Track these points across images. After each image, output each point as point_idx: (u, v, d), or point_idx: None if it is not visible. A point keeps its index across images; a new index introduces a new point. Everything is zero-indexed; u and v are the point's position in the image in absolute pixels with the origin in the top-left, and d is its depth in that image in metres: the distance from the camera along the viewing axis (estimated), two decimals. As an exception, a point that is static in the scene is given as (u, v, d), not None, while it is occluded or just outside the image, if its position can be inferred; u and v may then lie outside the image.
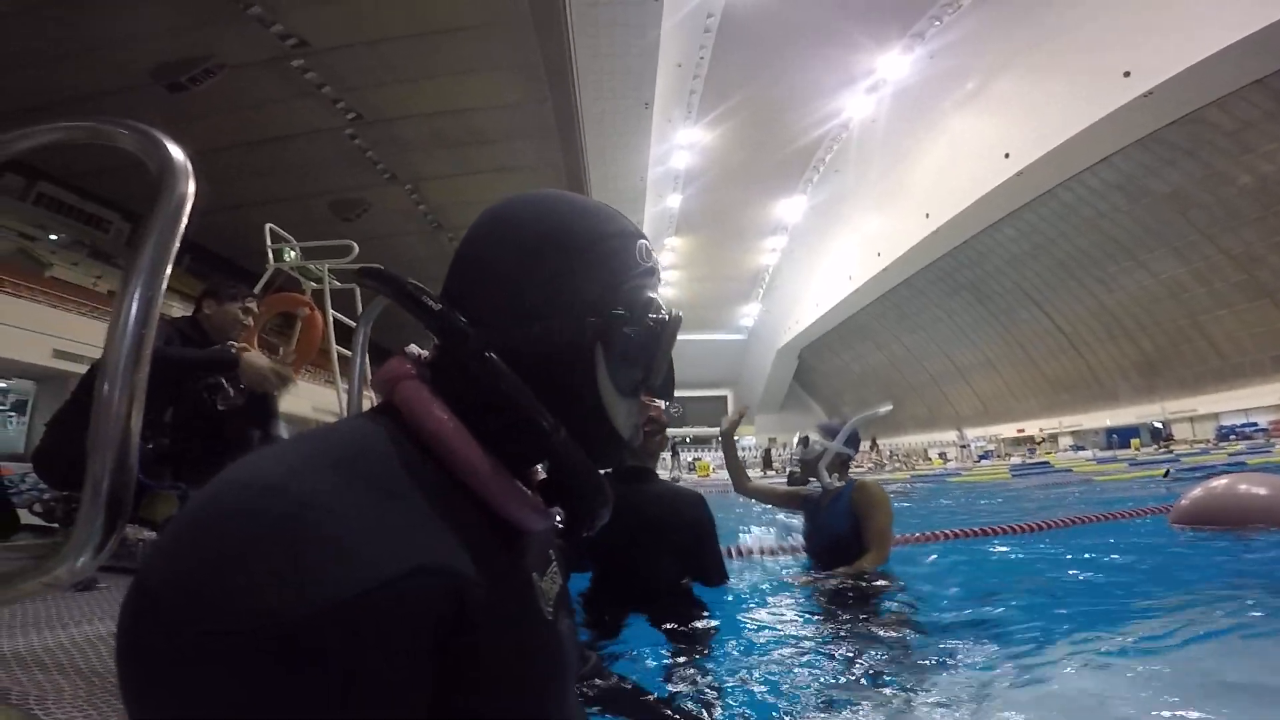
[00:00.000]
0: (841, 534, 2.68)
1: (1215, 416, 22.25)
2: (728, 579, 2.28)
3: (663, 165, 31.28)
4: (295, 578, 0.40)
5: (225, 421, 2.60)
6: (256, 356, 2.69)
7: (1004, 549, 3.85)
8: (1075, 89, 21.43)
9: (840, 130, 32.46)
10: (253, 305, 2.96)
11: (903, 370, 41.01)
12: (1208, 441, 20.95)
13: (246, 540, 0.41)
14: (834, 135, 32.80)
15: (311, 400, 13.87)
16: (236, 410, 2.62)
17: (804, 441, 2.91)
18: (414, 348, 0.63)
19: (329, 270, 5.21)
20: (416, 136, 19.48)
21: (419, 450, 0.53)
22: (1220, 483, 3.92)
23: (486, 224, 0.62)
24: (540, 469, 0.67)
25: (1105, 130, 21.33)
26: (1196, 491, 3.91)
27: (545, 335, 0.58)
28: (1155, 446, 21.77)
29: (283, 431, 2.88)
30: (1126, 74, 19.77)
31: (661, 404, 2.22)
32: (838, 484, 2.77)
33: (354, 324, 4.51)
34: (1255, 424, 20.54)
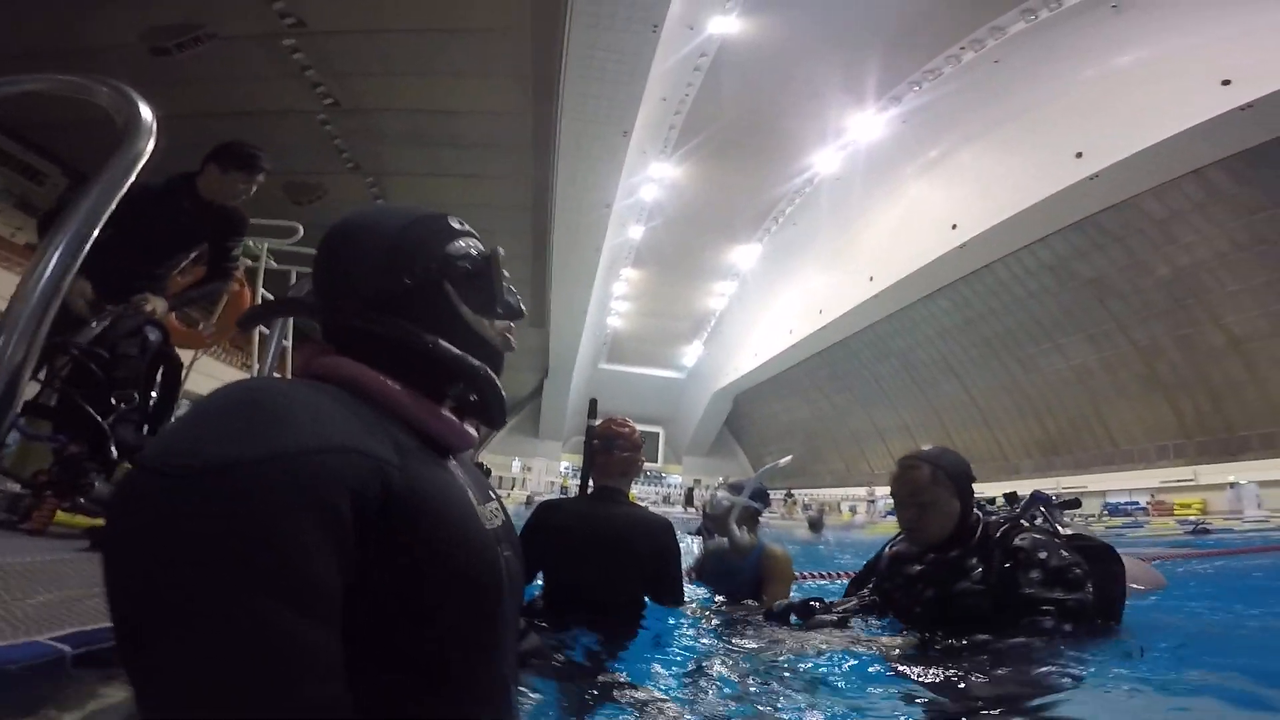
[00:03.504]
0: (745, 592, 2.81)
1: (1103, 494, 23.58)
2: (683, 602, 2.38)
3: (631, 196, 31.62)
4: (245, 434, 0.51)
5: (116, 380, 2.51)
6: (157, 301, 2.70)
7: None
8: (1029, 166, 23.19)
9: (805, 184, 33.89)
10: (259, 179, 2.94)
11: (827, 426, 42.07)
12: (1092, 516, 22.10)
13: (215, 410, 0.55)
14: (798, 188, 34.23)
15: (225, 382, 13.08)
16: (132, 370, 2.58)
17: (733, 487, 3.02)
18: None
19: (268, 250, 4.91)
20: (391, 131, 19.57)
21: (354, 395, 0.69)
22: None
23: (337, 233, 0.83)
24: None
25: (1049, 209, 23.14)
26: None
27: (404, 288, 0.79)
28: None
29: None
30: (1079, 155, 21.59)
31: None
32: (748, 539, 2.84)
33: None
34: (1137, 503, 21.88)
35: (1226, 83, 18.59)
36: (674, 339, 49.00)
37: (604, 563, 2.18)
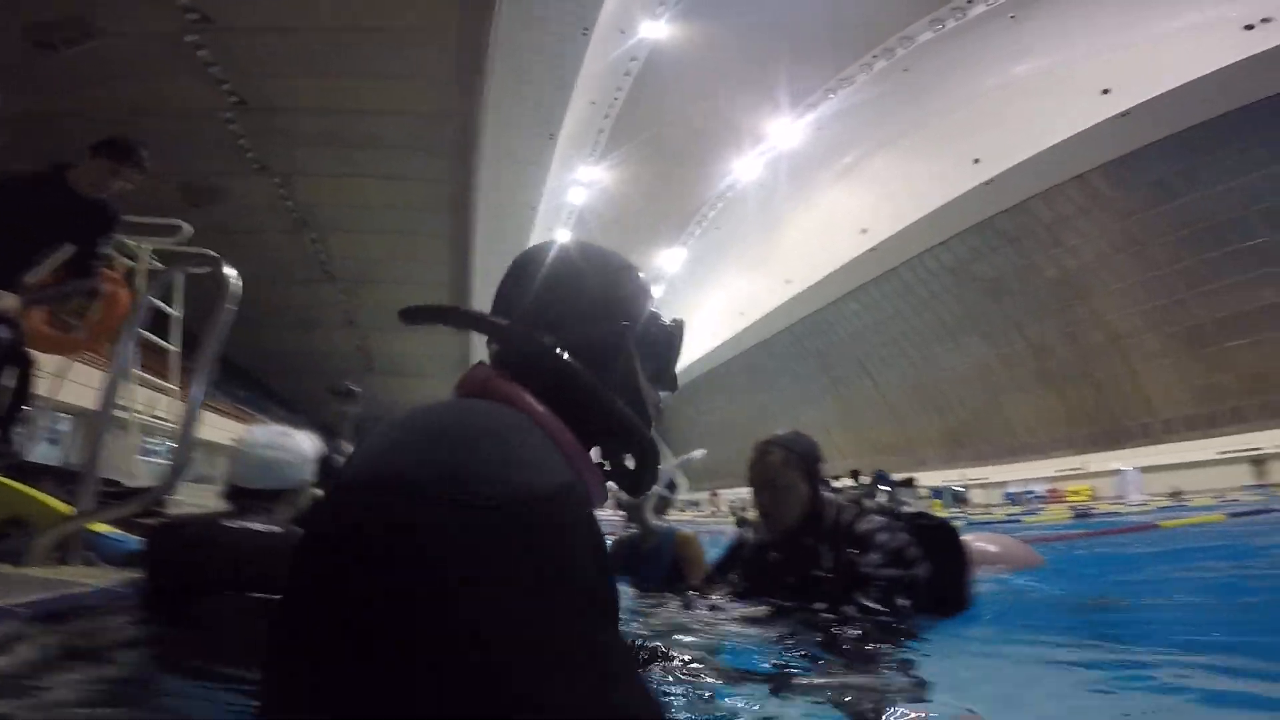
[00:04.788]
0: (664, 577, 2.86)
1: (1004, 484, 24.77)
2: None
3: (557, 199, 31.33)
4: (519, 468, 0.50)
5: None
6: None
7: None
8: (933, 171, 24.28)
9: (728, 189, 34.52)
10: (131, 173, 2.85)
11: (751, 426, 42.17)
12: (993, 505, 23.16)
13: (470, 442, 0.52)
14: (721, 193, 34.80)
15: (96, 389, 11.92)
16: None
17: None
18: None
19: (151, 251, 4.57)
20: (303, 131, 18.72)
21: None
22: (976, 537, 4.51)
23: (558, 263, 0.82)
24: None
25: (950, 213, 24.25)
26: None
27: (609, 338, 0.77)
28: (955, 507, 23.71)
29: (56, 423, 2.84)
30: (976, 161, 22.71)
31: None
32: (660, 525, 2.94)
33: (173, 311, 4.52)
34: (1033, 492, 23.02)
35: (1106, 91, 19.97)
36: None
37: None
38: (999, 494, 24.33)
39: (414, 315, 0.78)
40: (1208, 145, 19.78)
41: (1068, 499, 20.31)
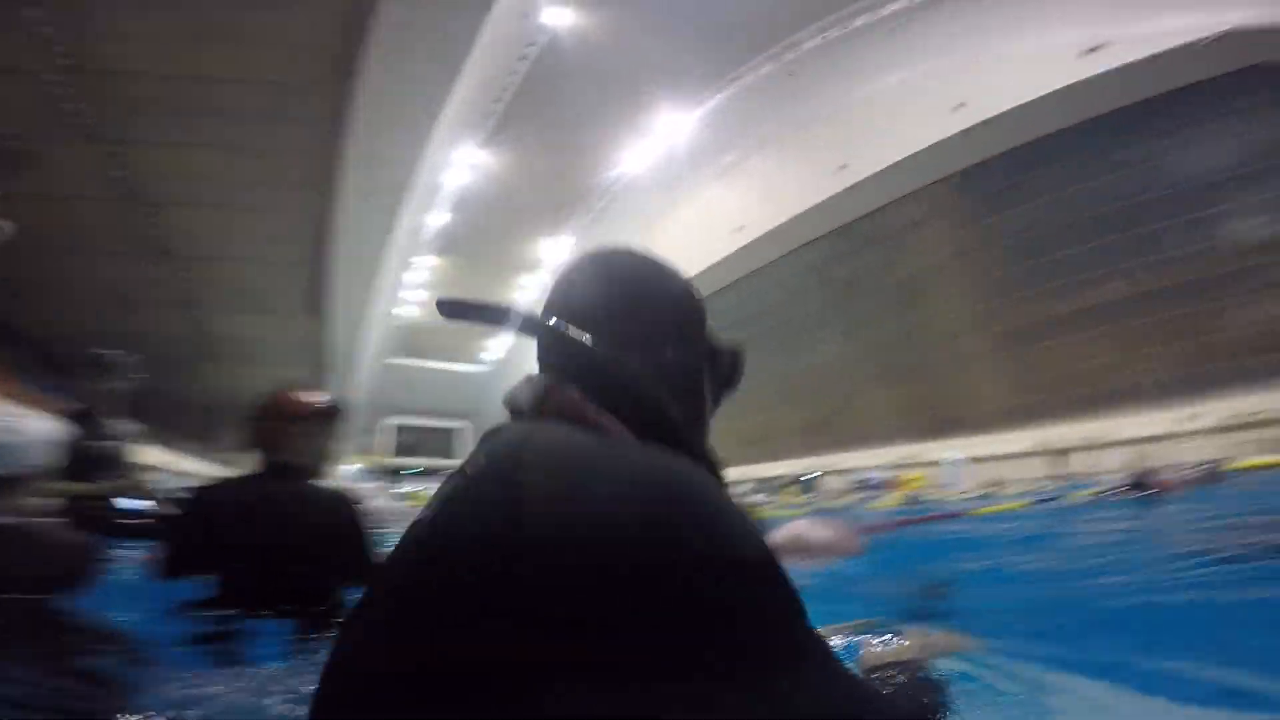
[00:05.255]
0: None
1: (852, 471, 26.57)
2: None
3: (438, 180, 30.05)
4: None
5: None
6: None
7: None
8: (805, 174, 25.58)
9: (616, 180, 34.25)
10: None
11: None
12: (844, 492, 24.72)
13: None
14: (609, 184, 34.58)
15: None
16: None
17: None
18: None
19: None
20: (144, 97, 17.27)
21: None
22: (793, 524, 4.47)
23: (603, 270, 0.80)
24: None
25: (818, 215, 25.54)
26: (772, 534, 4.50)
27: (673, 363, 0.77)
28: (809, 495, 25.07)
29: None
30: (843, 166, 24.01)
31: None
32: None
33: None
34: (875, 479, 24.84)
35: (959, 107, 21.67)
36: (478, 331, 47.26)
37: (279, 547, 1.98)
38: (849, 480, 25.99)
39: (471, 312, 0.73)
40: (1033, 162, 22.11)
41: (903, 487, 21.94)
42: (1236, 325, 20.49)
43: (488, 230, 35.52)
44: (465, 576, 0.43)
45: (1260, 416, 18.69)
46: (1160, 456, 16.90)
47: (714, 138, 29.47)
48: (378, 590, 0.53)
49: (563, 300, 0.77)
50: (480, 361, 50.02)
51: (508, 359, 49.47)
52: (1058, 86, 19.83)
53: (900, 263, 26.20)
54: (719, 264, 30.29)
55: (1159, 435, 19.66)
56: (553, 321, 0.72)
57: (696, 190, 31.69)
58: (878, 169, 23.69)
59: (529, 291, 43.22)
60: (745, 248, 28.92)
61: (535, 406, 0.69)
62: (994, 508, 8.61)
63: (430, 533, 0.50)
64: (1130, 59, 18.55)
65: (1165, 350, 21.60)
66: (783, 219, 27.00)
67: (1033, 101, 20.38)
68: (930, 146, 22.35)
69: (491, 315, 0.73)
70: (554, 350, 0.75)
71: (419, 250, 36.63)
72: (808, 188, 25.93)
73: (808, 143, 26.17)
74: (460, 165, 30.51)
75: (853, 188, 24.50)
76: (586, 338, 0.70)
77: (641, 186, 33.39)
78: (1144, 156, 20.76)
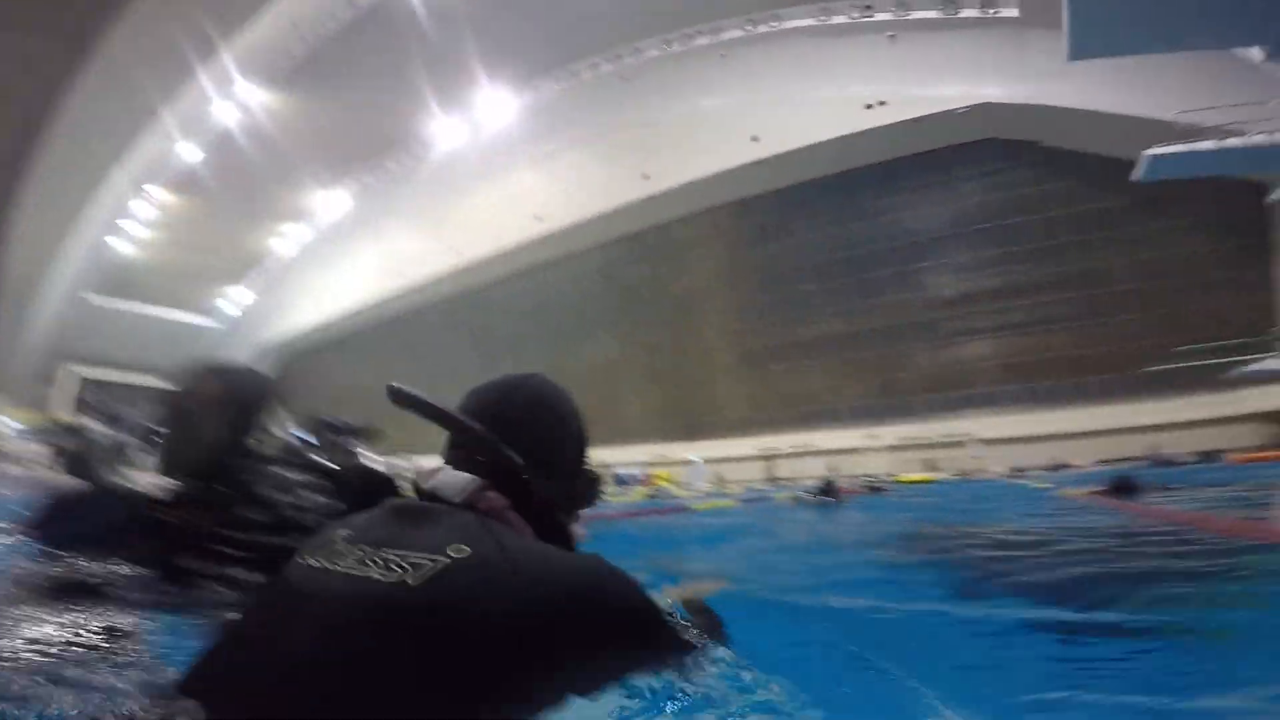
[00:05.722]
0: None
1: (611, 466, 28.25)
2: None
3: (200, 110, 27.00)
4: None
5: None
6: None
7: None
8: (613, 178, 26.57)
9: (421, 147, 32.79)
10: None
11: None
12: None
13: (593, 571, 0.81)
14: (412, 149, 32.91)
15: None
16: None
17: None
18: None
19: None
20: None
21: None
22: None
23: (539, 406, 1.01)
24: None
25: (614, 220, 26.68)
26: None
27: (565, 482, 0.99)
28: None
29: None
30: (646, 177, 25.26)
31: None
32: None
33: None
34: (635, 474, 26.67)
35: (755, 139, 23.97)
36: (211, 279, 41.01)
37: None
38: (608, 474, 27.59)
39: (421, 408, 0.94)
40: (801, 202, 25.46)
41: (653, 483, 23.92)
42: (915, 367, 25.88)
43: (251, 172, 31.46)
44: (484, 622, 0.71)
45: (920, 441, 24.03)
46: (846, 467, 20.88)
47: (536, 126, 29.37)
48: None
49: (495, 415, 0.94)
50: (212, 314, 43.81)
51: (245, 314, 44.20)
52: (841, 133, 22.73)
53: (678, 276, 28.51)
54: (514, 249, 30.24)
55: (848, 449, 24.20)
56: (495, 439, 0.92)
57: (507, 173, 31.28)
58: (676, 184, 25.39)
59: (288, 241, 39.84)
60: (542, 239, 29.22)
61: (466, 501, 0.87)
62: (712, 504, 10.06)
63: (431, 590, 0.72)
64: (901, 118, 21.71)
65: (862, 381, 26.55)
66: (583, 217, 27.74)
67: (818, 144, 23.17)
68: (724, 172, 24.54)
69: (438, 417, 0.92)
70: (478, 451, 0.91)
71: (155, 180, 31.66)
72: (612, 191, 26.95)
73: (621, 147, 27.16)
74: (237, 101, 27.51)
75: (651, 198, 26.01)
76: (516, 458, 0.90)
77: (450, 158, 32.33)
78: (884, 210, 24.94)
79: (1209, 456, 17.64)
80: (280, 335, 41.57)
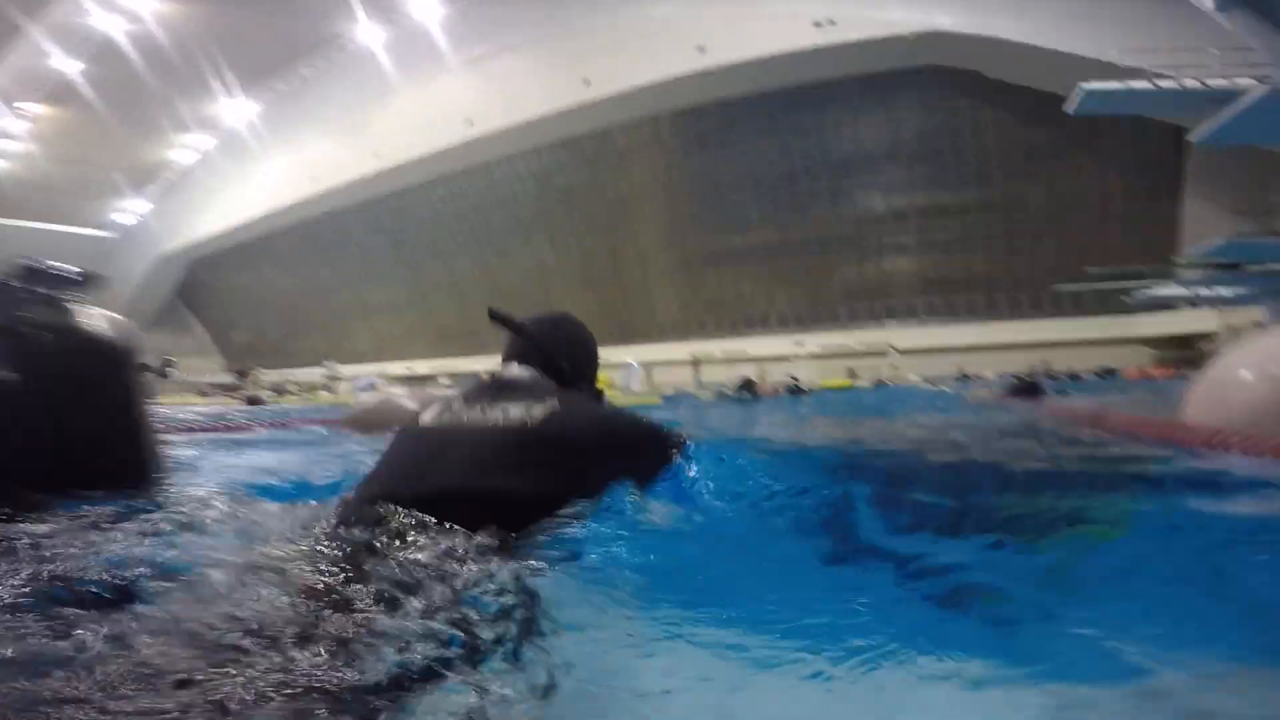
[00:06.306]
0: None
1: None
2: None
3: (79, 20, 25.48)
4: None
5: None
6: None
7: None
8: (551, 82, 25.36)
9: (334, 49, 30.53)
10: None
11: (309, 301, 39.40)
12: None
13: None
14: (324, 52, 30.72)
15: None
16: None
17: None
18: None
19: None
20: None
21: None
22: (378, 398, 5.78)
23: (575, 336, 1.47)
24: None
25: (551, 125, 25.78)
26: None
27: (589, 376, 1.47)
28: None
29: None
30: (587, 82, 24.05)
31: None
32: None
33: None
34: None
35: (702, 49, 22.96)
36: (102, 192, 38.08)
37: None
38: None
39: (506, 323, 1.43)
40: (740, 115, 24.91)
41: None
42: (841, 279, 26.59)
43: (138, 84, 28.88)
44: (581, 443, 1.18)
45: (843, 350, 25.05)
46: (774, 373, 21.58)
47: (467, 29, 27.37)
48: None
49: (550, 338, 1.41)
50: (108, 225, 40.52)
51: (142, 225, 41.05)
52: (788, 49, 22.02)
53: (616, 182, 27.81)
54: (441, 154, 28.81)
55: (776, 356, 24.96)
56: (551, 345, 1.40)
57: (434, 77, 29.25)
58: (619, 90, 24.36)
59: (190, 153, 37.31)
60: (473, 142, 27.85)
61: (547, 388, 1.28)
62: (637, 399, 10.29)
63: (543, 426, 1.15)
64: (849, 38, 21.20)
65: (790, 290, 27.17)
66: (517, 121, 26.56)
67: (764, 58, 22.43)
68: (668, 80, 23.65)
69: (521, 332, 1.40)
70: (538, 358, 1.36)
71: (30, 95, 29.69)
72: (553, 95, 25.69)
73: (563, 52, 25.67)
74: (117, 10, 25.71)
75: (593, 104, 24.95)
76: (565, 366, 1.38)
77: (367, 61, 30.12)
78: (823, 127, 24.72)
79: (1106, 373, 19.16)
80: (183, 243, 39.31)
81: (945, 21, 19.97)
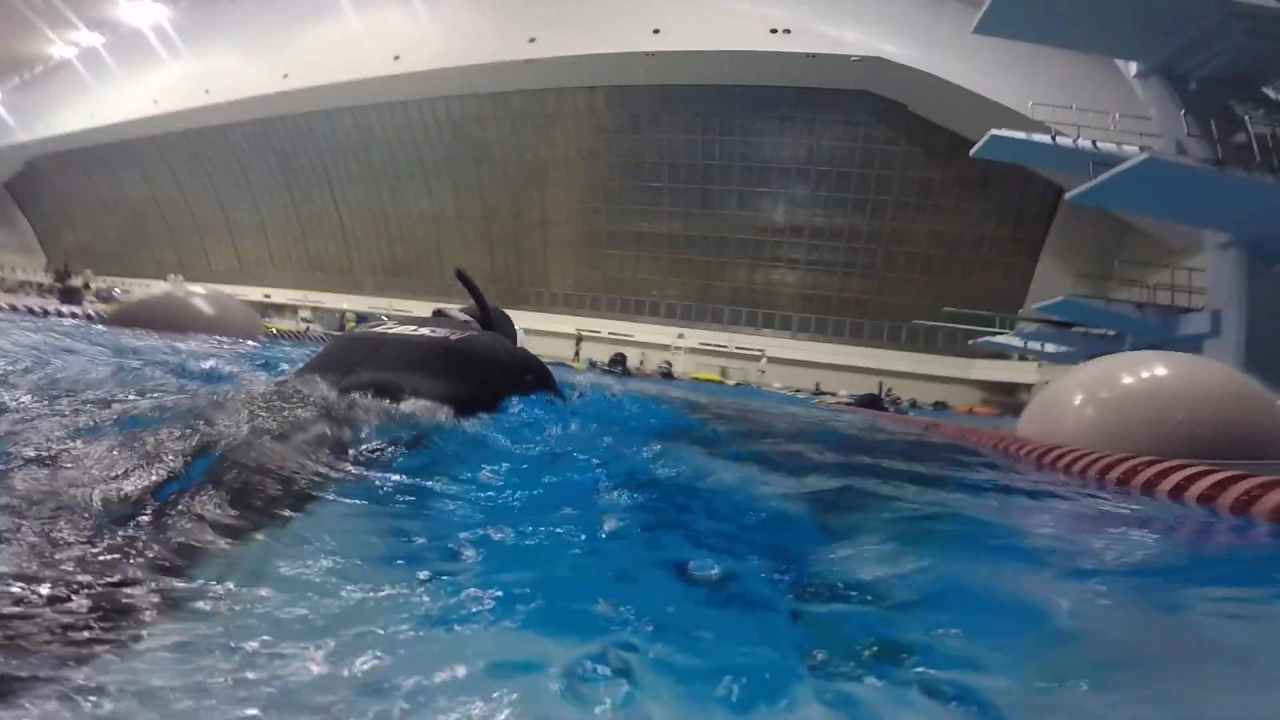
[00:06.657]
0: None
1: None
2: None
3: None
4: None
5: None
6: None
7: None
8: (490, 32, 24.41)
9: None
10: None
11: (166, 211, 35.95)
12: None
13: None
14: None
15: None
16: None
17: None
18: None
19: None
20: None
21: None
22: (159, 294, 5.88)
23: (509, 320, 2.68)
24: None
25: (482, 74, 24.73)
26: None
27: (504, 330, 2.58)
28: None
29: None
30: (532, 40, 23.50)
31: None
32: None
33: None
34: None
35: (656, 31, 22.51)
36: None
37: None
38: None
39: (467, 283, 2.43)
40: (671, 102, 24.84)
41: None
42: (731, 281, 27.47)
43: None
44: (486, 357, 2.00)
45: (714, 347, 26.18)
46: (653, 359, 22.07)
47: None
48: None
49: (495, 309, 2.44)
50: None
51: None
52: (739, 49, 22.02)
53: (535, 145, 27.12)
54: (358, 84, 26.83)
55: (658, 344, 25.64)
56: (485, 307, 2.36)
57: (361, 7, 27.08)
58: (562, 55, 23.57)
59: (69, 49, 33.61)
60: (396, 77, 26.10)
61: (462, 324, 2.13)
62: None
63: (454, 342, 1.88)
64: (799, 49, 21.42)
65: (683, 283, 27.75)
66: (447, 64, 25.11)
67: (714, 53, 22.33)
68: (615, 54, 23.12)
69: (476, 295, 2.39)
70: (477, 315, 2.32)
71: None
72: (488, 47, 24.43)
73: (511, 5, 24.34)
74: None
75: (531, 62, 23.98)
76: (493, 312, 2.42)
77: None
78: (748, 130, 25.10)
79: (939, 405, 21.53)
80: (34, 137, 35.31)
81: (891, 50, 20.49)
